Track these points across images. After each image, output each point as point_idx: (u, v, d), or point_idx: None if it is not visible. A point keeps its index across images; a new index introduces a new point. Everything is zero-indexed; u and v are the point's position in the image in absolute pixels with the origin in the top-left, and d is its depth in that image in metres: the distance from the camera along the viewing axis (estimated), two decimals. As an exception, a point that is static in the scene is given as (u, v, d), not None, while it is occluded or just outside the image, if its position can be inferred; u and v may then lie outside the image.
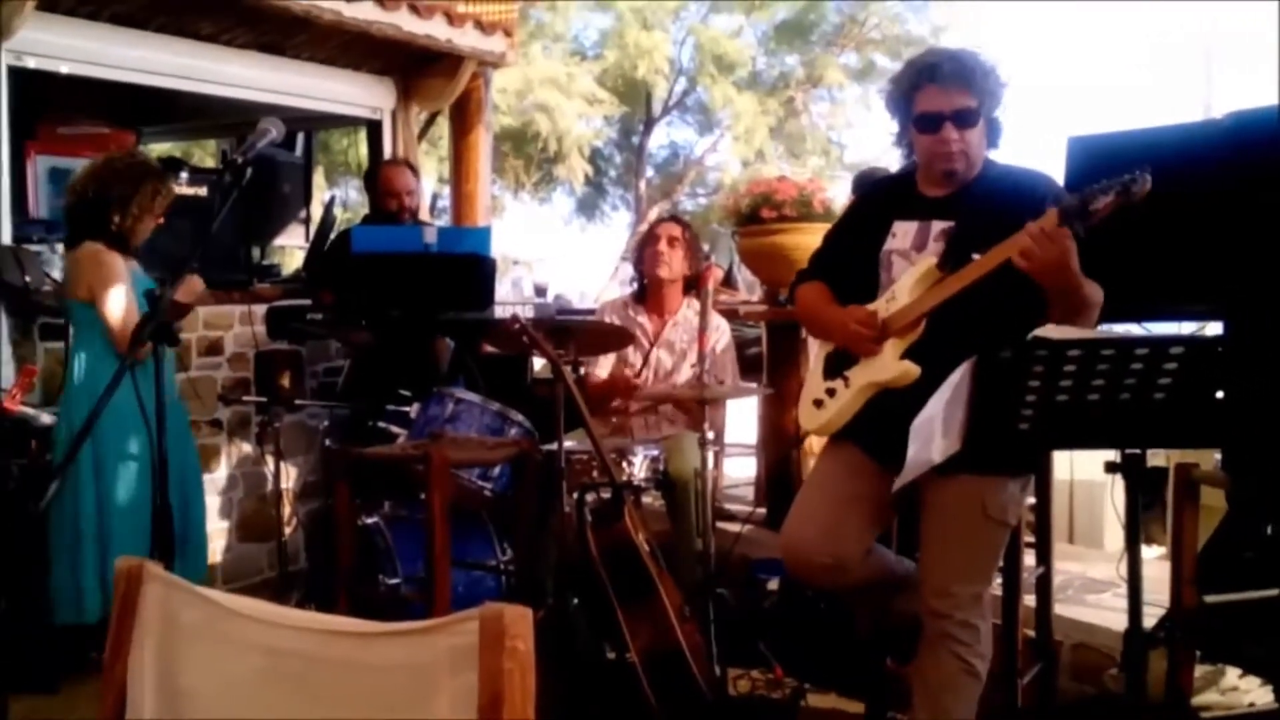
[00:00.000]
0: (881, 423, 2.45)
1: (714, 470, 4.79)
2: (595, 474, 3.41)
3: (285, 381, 4.35)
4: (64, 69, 4.39)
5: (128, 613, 1.28)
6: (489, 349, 4.51)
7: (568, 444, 3.11)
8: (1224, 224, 2.70)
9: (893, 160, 2.89)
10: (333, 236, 4.84)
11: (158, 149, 7.01)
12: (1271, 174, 2.62)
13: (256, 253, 5.07)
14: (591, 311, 5.43)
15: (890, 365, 2.47)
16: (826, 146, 18.26)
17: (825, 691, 3.31)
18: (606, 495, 3.13)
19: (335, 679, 1.15)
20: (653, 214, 15.54)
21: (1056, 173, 2.79)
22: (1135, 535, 2.14)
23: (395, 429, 3.84)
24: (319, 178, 12.18)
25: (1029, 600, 2.96)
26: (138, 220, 3.33)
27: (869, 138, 18.72)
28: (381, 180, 4.61)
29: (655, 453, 3.72)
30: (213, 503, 4.29)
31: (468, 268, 4.11)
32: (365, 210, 4.96)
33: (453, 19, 5.34)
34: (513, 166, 17.17)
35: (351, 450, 3.48)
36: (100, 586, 3.19)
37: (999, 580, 2.74)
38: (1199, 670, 2.71)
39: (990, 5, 24.77)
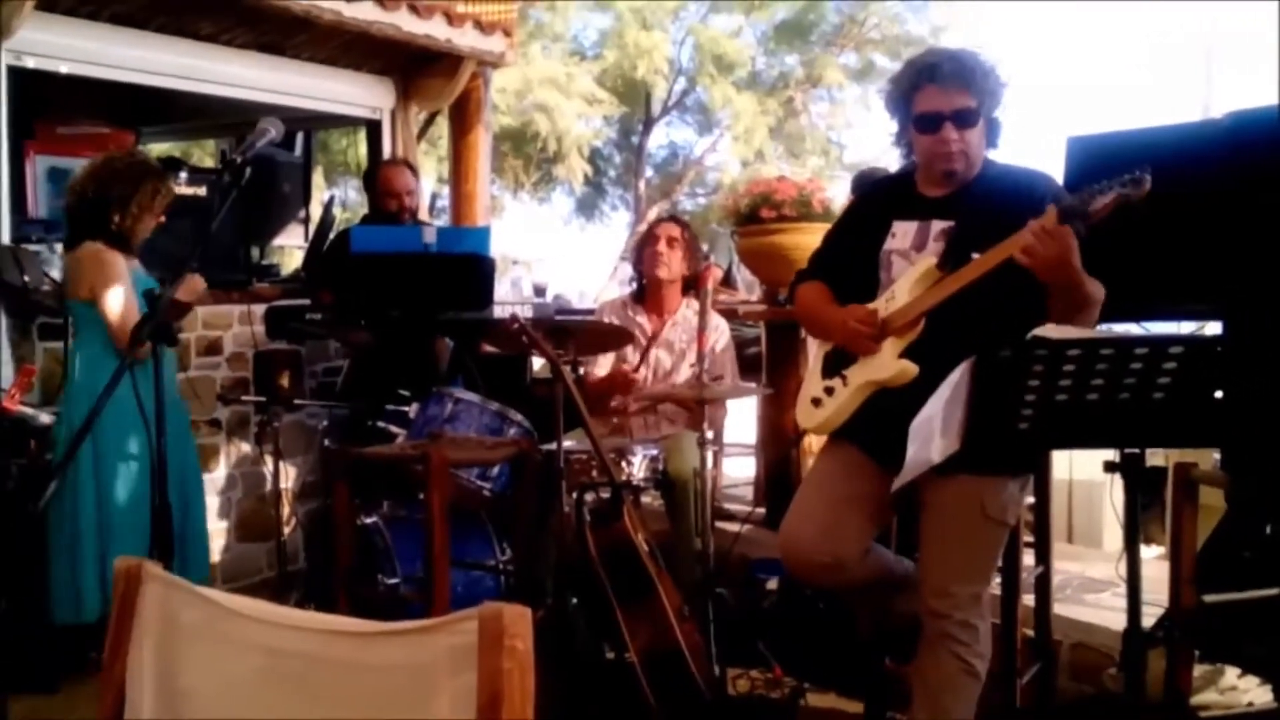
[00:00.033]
0: (881, 422, 2.45)
1: (713, 470, 4.81)
2: (594, 474, 3.41)
3: (284, 381, 4.35)
4: (63, 69, 4.39)
5: (127, 612, 1.28)
6: (488, 349, 4.51)
7: (567, 444, 3.11)
8: (1223, 224, 2.70)
9: (892, 160, 2.89)
10: (332, 236, 4.84)
11: (157, 149, 7.01)
12: (1271, 174, 2.62)
13: (256, 252, 5.06)
14: (590, 311, 5.43)
15: (889, 364, 2.47)
16: (826, 146, 18.27)
17: (824, 691, 3.32)
18: (605, 495, 3.13)
19: (335, 679, 1.15)
20: (652, 214, 15.55)
21: (1056, 173, 2.79)
22: (1134, 535, 2.15)
23: (394, 429, 3.84)
24: (318, 178, 12.18)
25: (1028, 600, 2.96)
26: (138, 219, 3.34)
27: (868, 138, 18.77)
28: (381, 180, 4.61)
29: (654, 452, 3.72)
30: (212, 502, 4.29)
31: (467, 268, 4.11)
32: (364, 210, 4.96)
33: (452, 19, 5.34)
34: (512, 166, 17.17)
35: (350, 450, 3.48)
36: (100, 586, 3.19)
37: (998, 580, 2.74)
38: (1198, 670, 2.71)
39: (990, 5, 24.82)
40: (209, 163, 9.34)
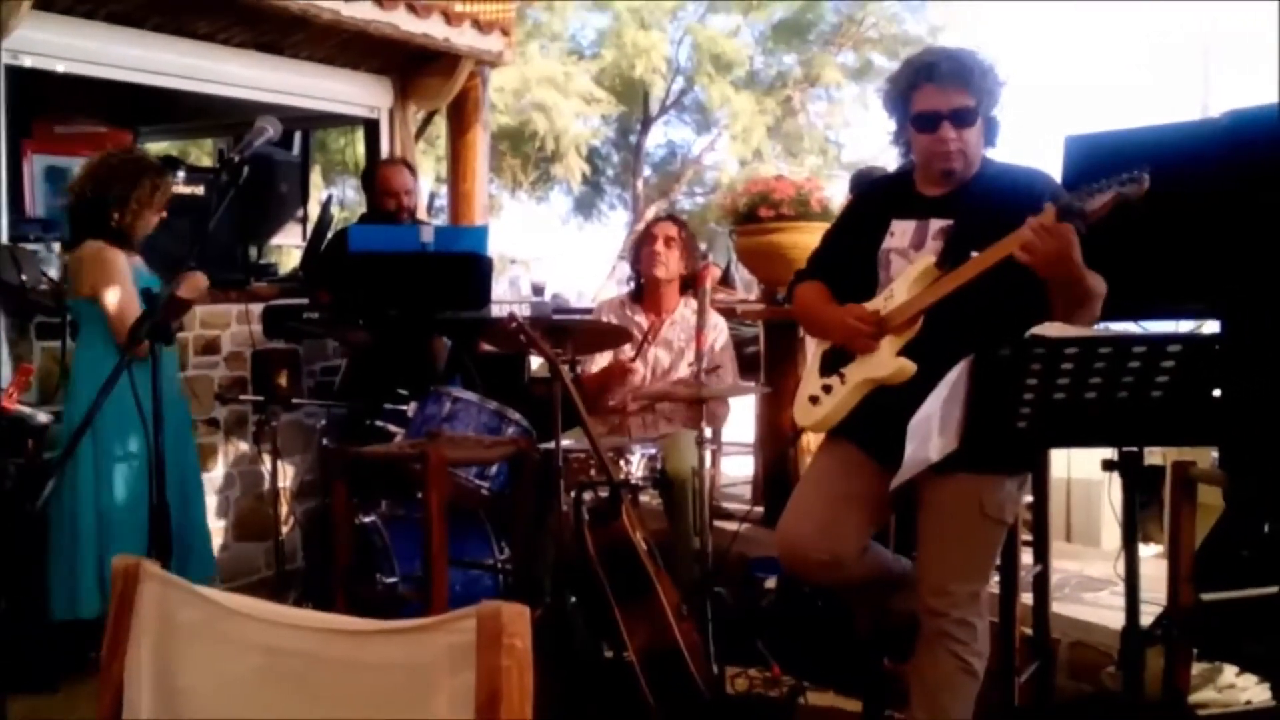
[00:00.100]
0: (879, 421, 2.45)
1: (711, 469, 4.81)
2: (593, 473, 3.41)
3: (282, 380, 4.35)
4: (60, 68, 4.38)
5: (125, 611, 1.28)
6: (486, 348, 4.51)
7: (565, 443, 3.11)
8: (1221, 223, 2.70)
9: (890, 159, 2.89)
10: (329, 235, 4.83)
11: (155, 148, 6.99)
12: (1269, 173, 2.63)
13: (253, 252, 5.06)
14: (589, 310, 5.43)
15: (887, 362, 2.47)
16: (824, 146, 18.29)
17: (823, 690, 3.31)
18: (604, 494, 3.13)
19: (333, 678, 1.15)
20: (650, 213, 15.57)
21: (1054, 172, 2.79)
22: (1132, 533, 2.15)
23: (392, 428, 3.84)
24: (316, 177, 12.17)
25: (1026, 598, 2.97)
26: (138, 216, 3.35)
27: (866, 137, 18.81)
28: (379, 179, 4.61)
29: (653, 451, 3.72)
30: (210, 502, 4.28)
31: (465, 267, 4.11)
32: (362, 209, 4.96)
33: (450, 18, 5.33)
34: (510, 166, 17.17)
35: (349, 449, 3.48)
36: (98, 584, 3.19)
37: (996, 578, 2.74)
38: (1196, 668, 2.71)
39: (988, 5, 24.83)
40: (207, 162, 9.34)
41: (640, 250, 4.12)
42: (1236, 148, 2.72)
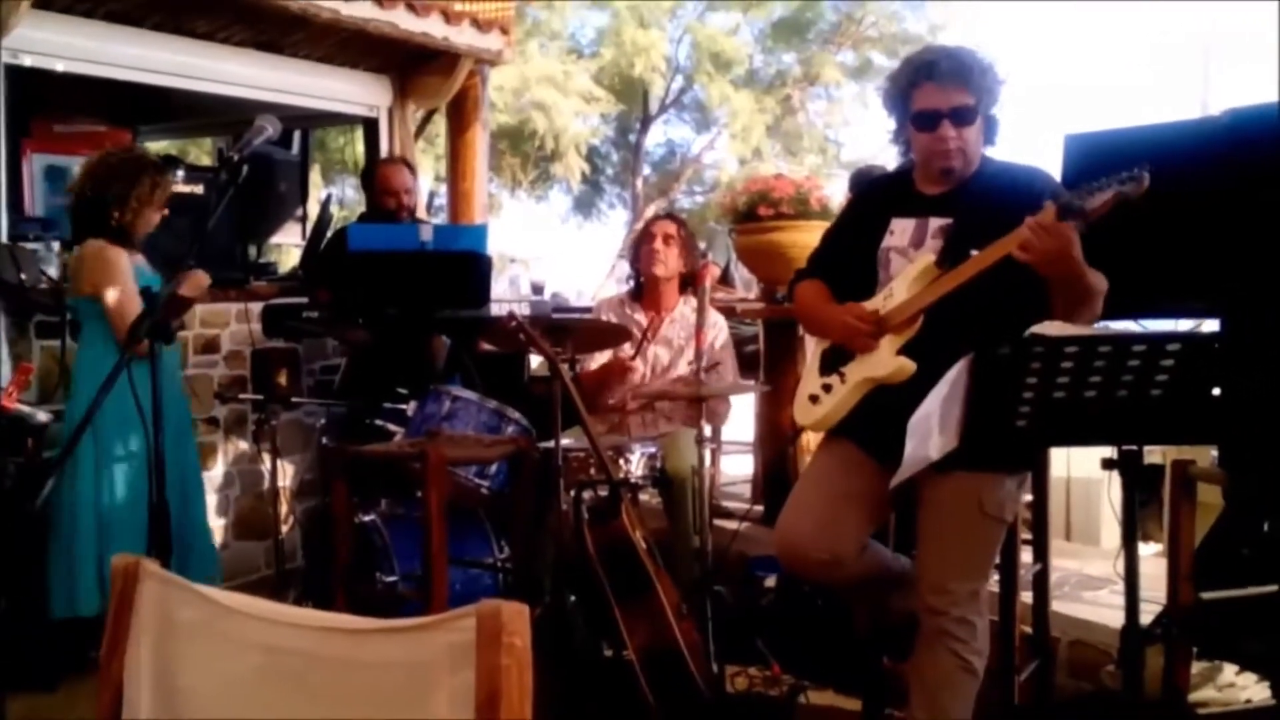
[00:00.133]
0: (879, 419, 2.45)
1: (711, 468, 4.81)
2: (592, 471, 3.41)
3: (282, 379, 4.35)
4: (60, 67, 4.38)
5: (124, 610, 1.28)
6: (486, 347, 4.51)
7: (565, 441, 3.11)
8: (1221, 221, 2.70)
9: (890, 158, 2.89)
10: (329, 234, 4.83)
11: (154, 147, 6.99)
12: (1269, 171, 2.62)
13: (253, 250, 5.05)
14: (588, 309, 5.43)
15: (886, 361, 2.47)
16: (823, 144, 18.26)
17: (823, 689, 3.31)
18: (604, 493, 3.13)
19: (333, 676, 1.15)
20: (649, 212, 15.56)
21: (1054, 171, 2.79)
22: (1132, 532, 2.15)
23: (392, 427, 3.84)
24: (315, 176, 12.17)
25: (1026, 597, 2.97)
26: (138, 214, 3.35)
27: (866, 135, 18.80)
28: (379, 178, 4.61)
29: (652, 450, 3.72)
30: (209, 500, 4.28)
31: (464, 265, 4.11)
32: (362, 208, 4.95)
33: (449, 17, 5.33)
34: (509, 164, 17.15)
35: (348, 448, 3.48)
36: (98, 582, 3.19)
37: (996, 577, 2.74)
38: (1196, 667, 2.71)
39: (988, 3, 24.79)
40: (206, 161, 9.32)
41: (639, 248, 4.12)
42: (1236, 146, 2.72)
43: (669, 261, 4.00)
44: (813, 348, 2.79)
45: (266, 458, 4.19)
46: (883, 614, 2.78)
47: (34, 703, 3.19)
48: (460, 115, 5.99)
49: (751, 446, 5.12)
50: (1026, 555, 2.97)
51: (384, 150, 5.66)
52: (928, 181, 2.58)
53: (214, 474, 4.44)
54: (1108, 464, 2.15)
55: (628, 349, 3.96)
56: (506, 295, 7.66)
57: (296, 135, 6.03)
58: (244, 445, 4.56)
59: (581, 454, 3.46)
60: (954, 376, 1.96)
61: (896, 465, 2.17)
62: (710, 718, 3.00)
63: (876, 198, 2.74)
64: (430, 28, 5.25)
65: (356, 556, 3.43)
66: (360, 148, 6.06)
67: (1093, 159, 2.92)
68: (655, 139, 19.19)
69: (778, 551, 2.65)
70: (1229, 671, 2.85)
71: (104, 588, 3.12)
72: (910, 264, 2.50)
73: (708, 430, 4.01)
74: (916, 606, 2.47)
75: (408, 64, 5.65)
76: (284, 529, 4.40)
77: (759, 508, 4.46)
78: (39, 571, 3.26)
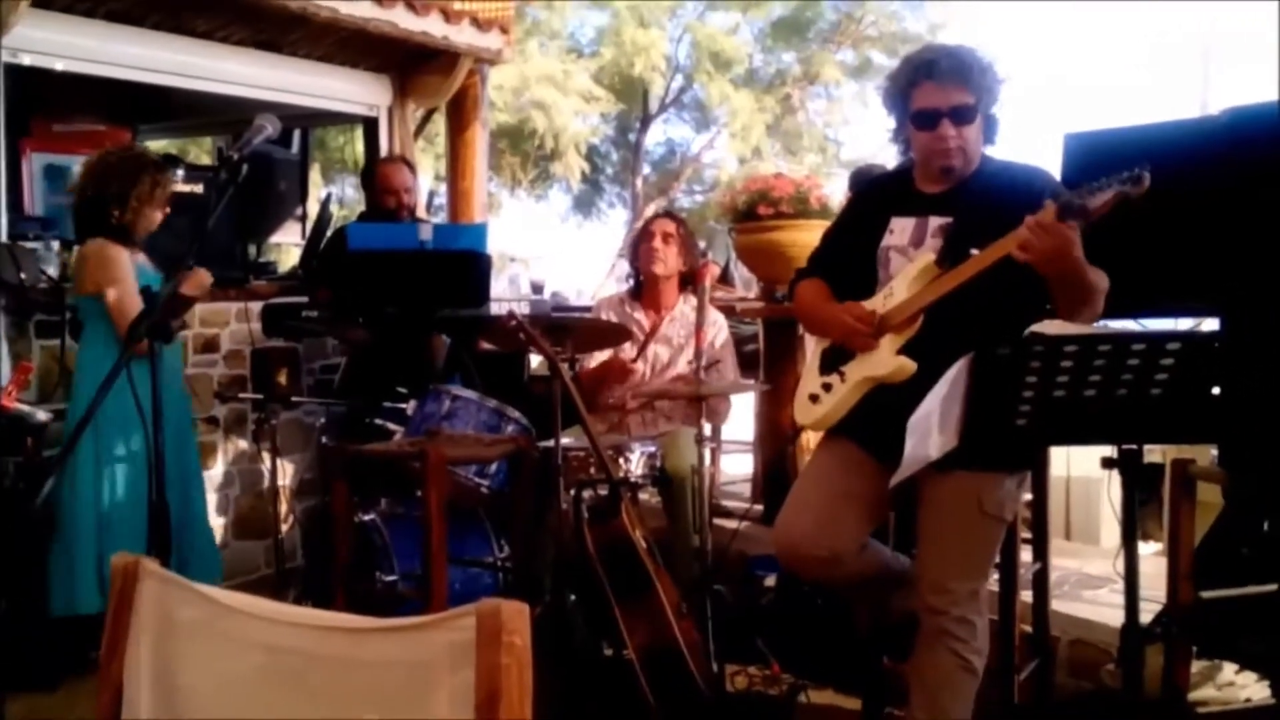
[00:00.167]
0: (879, 419, 2.45)
1: (711, 467, 4.81)
2: (592, 471, 3.41)
3: (282, 378, 4.35)
4: (59, 66, 4.38)
5: (124, 609, 1.28)
6: (485, 346, 4.51)
7: (565, 441, 3.11)
8: (1221, 220, 2.70)
9: (890, 157, 2.89)
10: (329, 234, 4.83)
11: (154, 146, 6.98)
12: (1269, 170, 2.62)
13: (252, 250, 5.05)
14: (588, 308, 5.43)
15: (886, 360, 2.47)
16: (823, 143, 18.26)
17: (822, 688, 3.31)
18: (603, 492, 3.13)
19: (333, 676, 1.15)
20: (649, 211, 15.54)
21: (1053, 170, 2.79)
22: (1132, 531, 2.15)
23: (392, 426, 3.84)
24: (315, 175, 12.17)
25: (1026, 596, 2.96)
26: (138, 213, 3.36)
27: (866, 135, 18.80)
28: (379, 178, 4.61)
29: (652, 449, 3.72)
30: (209, 500, 4.28)
31: (463, 265, 4.11)
32: (362, 207, 4.95)
33: (449, 16, 5.33)
34: (509, 164, 17.15)
35: (348, 447, 3.48)
36: (98, 581, 3.19)
37: (996, 576, 2.74)
38: (1196, 666, 2.71)
39: (988, 3, 24.78)
40: (206, 160, 9.32)
41: (639, 247, 4.12)
42: (1236, 145, 2.72)
43: (668, 260, 4.00)
44: (813, 347, 2.79)
45: (266, 457, 4.19)
46: (883, 613, 2.79)
47: (34, 702, 3.19)
48: (460, 114, 5.98)
49: (751, 446, 5.12)
50: (1026, 554, 2.97)
51: (384, 149, 5.66)
52: (927, 180, 2.58)
53: (214, 473, 4.44)
54: (1107, 463, 2.15)
55: (629, 350, 3.96)
56: (506, 294, 7.66)
57: (296, 134, 6.02)
58: (244, 444, 4.56)
59: (581, 453, 3.46)
60: (954, 376, 1.96)
61: (896, 464, 2.17)
62: (710, 717, 3.00)
63: (876, 197, 2.74)
64: (430, 27, 5.25)
65: (356, 556, 3.43)
66: (360, 147, 6.06)
67: (1093, 158, 2.91)
68: (655, 138, 19.22)
69: (776, 549, 2.65)
70: (1229, 670, 2.85)
71: (104, 587, 3.12)
72: (910, 263, 2.50)
73: (707, 429, 4.01)
74: (916, 606, 2.47)
75: (407, 63, 5.65)
76: (284, 528, 4.40)
77: (759, 507, 4.46)
78: (39, 570, 3.26)
